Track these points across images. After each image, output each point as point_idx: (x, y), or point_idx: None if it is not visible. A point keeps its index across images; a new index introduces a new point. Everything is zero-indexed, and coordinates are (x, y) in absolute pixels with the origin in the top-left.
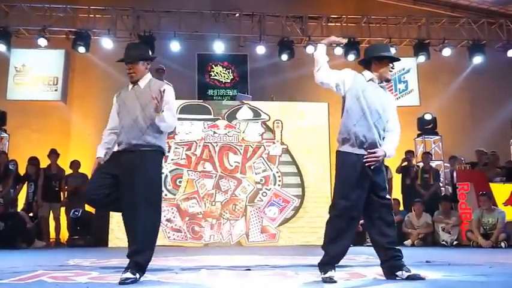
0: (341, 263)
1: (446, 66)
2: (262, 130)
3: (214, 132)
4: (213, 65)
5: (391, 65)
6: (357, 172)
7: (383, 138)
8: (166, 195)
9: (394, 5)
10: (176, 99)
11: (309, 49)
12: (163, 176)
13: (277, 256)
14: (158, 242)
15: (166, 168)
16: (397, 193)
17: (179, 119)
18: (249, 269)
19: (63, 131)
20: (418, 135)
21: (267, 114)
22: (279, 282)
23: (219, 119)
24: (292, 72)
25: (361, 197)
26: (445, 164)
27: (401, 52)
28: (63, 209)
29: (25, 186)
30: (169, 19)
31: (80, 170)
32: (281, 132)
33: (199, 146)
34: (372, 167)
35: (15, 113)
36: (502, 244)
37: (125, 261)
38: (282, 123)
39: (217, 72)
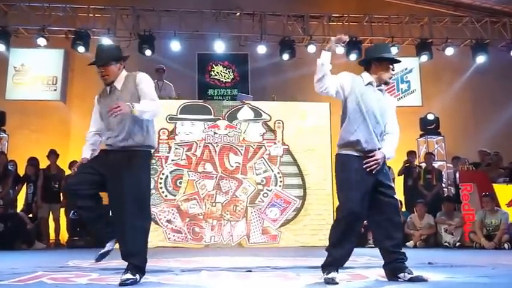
0: None
1: (449, 65)
2: (263, 130)
3: (215, 133)
4: (214, 65)
5: (391, 66)
6: (358, 173)
7: (382, 141)
8: (166, 196)
9: (397, 4)
10: (176, 99)
11: (310, 48)
12: (163, 177)
13: (278, 257)
14: (158, 243)
15: (167, 169)
16: (399, 194)
17: (179, 119)
18: (250, 271)
19: (63, 131)
20: (421, 136)
21: (268, 115)
22: (280, 284)
23: (220, 119)
24: (294, 71)
25: (365, 198)
26: (448, 165)
27: (404, 52)
28: (62, 210)
29: (24, 187)
30: (169, 18)
31: None
32: (282, 132)
33: (200, 146)
34: (373, 171)
35: (14, 113)
36: (505, 245)
37: (125, 263)
38: (283, 123)
39: (217, 72)
